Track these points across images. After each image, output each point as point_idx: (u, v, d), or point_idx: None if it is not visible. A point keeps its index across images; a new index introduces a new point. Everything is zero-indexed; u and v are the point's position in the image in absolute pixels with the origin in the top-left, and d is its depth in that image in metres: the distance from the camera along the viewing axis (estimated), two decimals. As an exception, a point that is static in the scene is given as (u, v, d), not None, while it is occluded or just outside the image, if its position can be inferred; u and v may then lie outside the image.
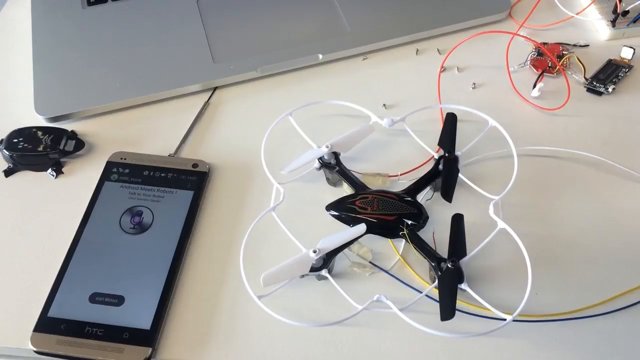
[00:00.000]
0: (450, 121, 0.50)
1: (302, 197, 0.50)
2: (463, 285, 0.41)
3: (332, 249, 0.42)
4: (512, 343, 0.42)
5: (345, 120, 0.55)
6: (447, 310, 0.39)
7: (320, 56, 0.59)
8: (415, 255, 0.45)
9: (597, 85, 0.57)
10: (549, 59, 0.58)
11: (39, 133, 0.53)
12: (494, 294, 0.44)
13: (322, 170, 0.50)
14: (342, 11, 0.63)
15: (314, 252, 0.42)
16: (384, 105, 0.57)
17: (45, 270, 0.46)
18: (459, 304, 0.43)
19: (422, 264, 0.45)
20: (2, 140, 0.53)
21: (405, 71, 0.60)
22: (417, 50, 0.61)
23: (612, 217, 0.48)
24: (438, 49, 0.61)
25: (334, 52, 0.60)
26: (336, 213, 0.46)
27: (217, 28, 0.62)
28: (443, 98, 0.57)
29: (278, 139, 0.53)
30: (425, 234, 0.46)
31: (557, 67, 0.57)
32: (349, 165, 0.50)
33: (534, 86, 0.56)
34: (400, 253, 0.46)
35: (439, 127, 0.52)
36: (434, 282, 0.43)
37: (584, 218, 0.48)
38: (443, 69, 0.59)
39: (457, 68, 0.59)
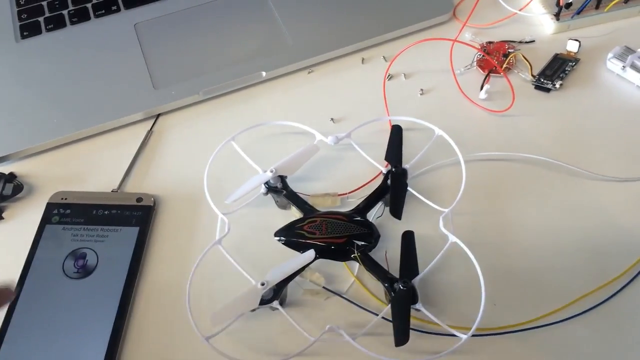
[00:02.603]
0: (396, 134, 0.49)
1: (252, 223, 0.48)
2: (417, 305, 0.40)
3: (280, 279, 0.41)
4: (472, 359, 0.41)
5: (292, 139, 0.54)
6: (401, 335, 0.38)
7: (264, 73, 0.58)
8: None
9: (545, 81, 0.56)
10: (495, 59, 0.57)
11: (-25, 179, 0.51)
12: (453, 308, 0.43)
13: (270, 195, 0.49)
14: (283, 25, 0.61)
15: (262, 284, 0.40)
16: (332, 119, 0.55)
17: (-13, 326, 0.44)
18: (418, 322, 0.42)
19: (379, 283, 0.44)
20: None
21: (352, 82, 0.58)
22: (363, 59, 0.60)
23: (565, 218, 0.48)
24: (384, 56, 0.60)
25: (278, 67, 0.58)
26: (285, 239, 0.45)
27: (156, 53, 0.60)
28: (391, 106, 0.55)
29: (224, 164, 0.52)
30: (378, 252, 0.45)
31: (497, 69, 0.56)
32: (297, 185, 0.49)
33: (482, 88, 0.55)
34: (355, 274, 0.45)
35: (387, 137, 0.50)
36: (390, 302, 0.42)
37: (537, 222, 0.48)
38: (390, 77, 0.58)
39: (404, 74, 0.58)
